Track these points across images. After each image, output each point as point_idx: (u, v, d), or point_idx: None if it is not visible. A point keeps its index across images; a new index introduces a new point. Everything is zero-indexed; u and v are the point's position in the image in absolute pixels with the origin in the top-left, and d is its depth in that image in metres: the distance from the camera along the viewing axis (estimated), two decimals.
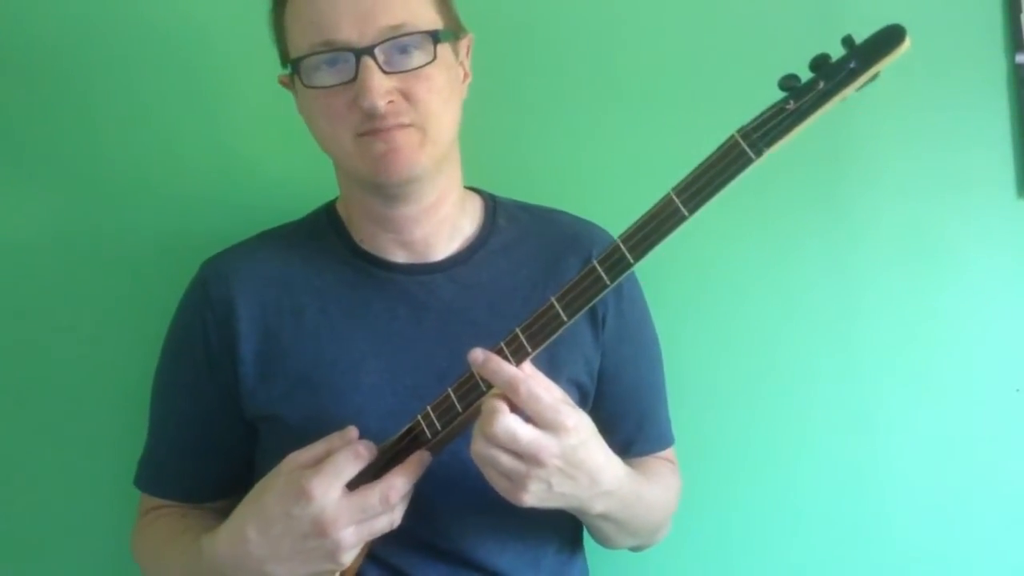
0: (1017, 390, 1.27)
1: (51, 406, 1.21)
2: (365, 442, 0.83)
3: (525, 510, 0.83)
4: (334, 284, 0.97)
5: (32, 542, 1.21)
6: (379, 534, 0.83)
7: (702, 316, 1.26)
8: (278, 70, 0.98)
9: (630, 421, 1.05)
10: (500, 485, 0.81)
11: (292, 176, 1.19)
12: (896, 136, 1.27)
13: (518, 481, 0.80)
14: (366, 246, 0.99)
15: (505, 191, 1.11)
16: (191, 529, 0.95)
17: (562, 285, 0.80)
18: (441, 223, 0.99)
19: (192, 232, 1.18)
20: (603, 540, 1.00)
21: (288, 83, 0.97)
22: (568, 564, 1.02)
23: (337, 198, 1.06)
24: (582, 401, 1.00)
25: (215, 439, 0.99)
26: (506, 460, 0.79)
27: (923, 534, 1.26)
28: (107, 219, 1.21)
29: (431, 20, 0.91)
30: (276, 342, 0.95)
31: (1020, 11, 1.28)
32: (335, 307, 0.96)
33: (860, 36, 1.24)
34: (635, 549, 1.08)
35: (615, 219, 1.08)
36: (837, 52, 1.25)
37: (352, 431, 0.85)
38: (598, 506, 0.86)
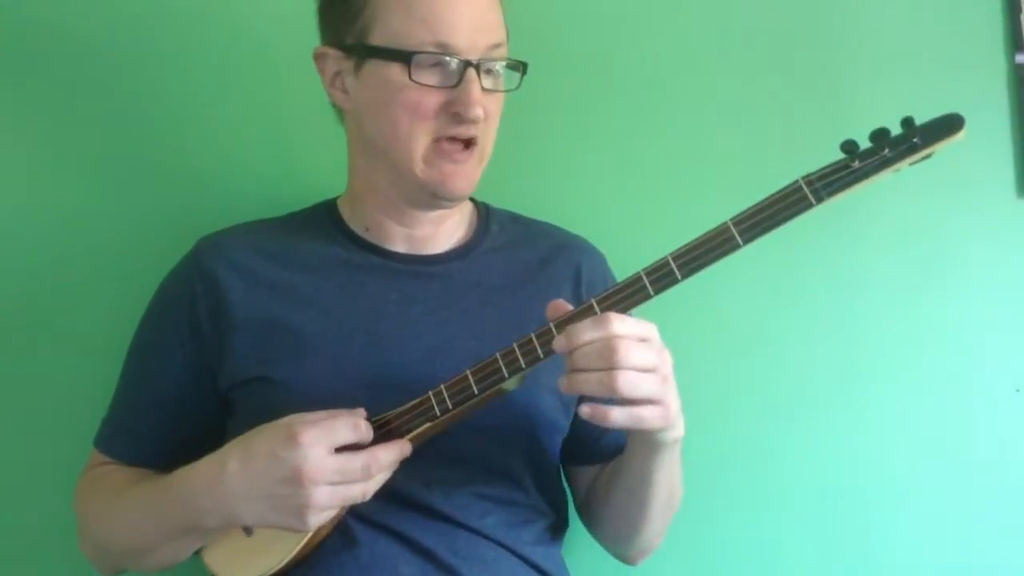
0: (1017, 390, 1.28)
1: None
2: (368, 422, 0.85)
3: (509, 475, 0.94)
4: (329, 264, 1.00)
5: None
6: (350, 503, 0.84)
7: (701, 315, 1.26)
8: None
9: None
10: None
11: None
12: None
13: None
14: (369, 235, 1.02)
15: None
16: (152, 476, 0.97)
17: (605, 290, 0.83)
18: (445, 224, 1.04)
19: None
20: (641, 512, 0.98)
21: (327, 58, 0.97)
22: (549, 545, 1.02)
23: (336, 197, 1.07)
24: (564, 412, 0.99)
25: (183, 407, 1.00)
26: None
27: (923, 534, 1.27)
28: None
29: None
30: (267, 311, 0.96)
31: (1020, 11, 1.29)
32: (327, 285, 0.99)
33: (859, 38, 1.28)
34: (630, 555, 1.07)
35: (612, 232, 1.13)
36: (837, 55, 1.28)
37: (361, 411, 0.86)
38: (679, 427, 0.88)
